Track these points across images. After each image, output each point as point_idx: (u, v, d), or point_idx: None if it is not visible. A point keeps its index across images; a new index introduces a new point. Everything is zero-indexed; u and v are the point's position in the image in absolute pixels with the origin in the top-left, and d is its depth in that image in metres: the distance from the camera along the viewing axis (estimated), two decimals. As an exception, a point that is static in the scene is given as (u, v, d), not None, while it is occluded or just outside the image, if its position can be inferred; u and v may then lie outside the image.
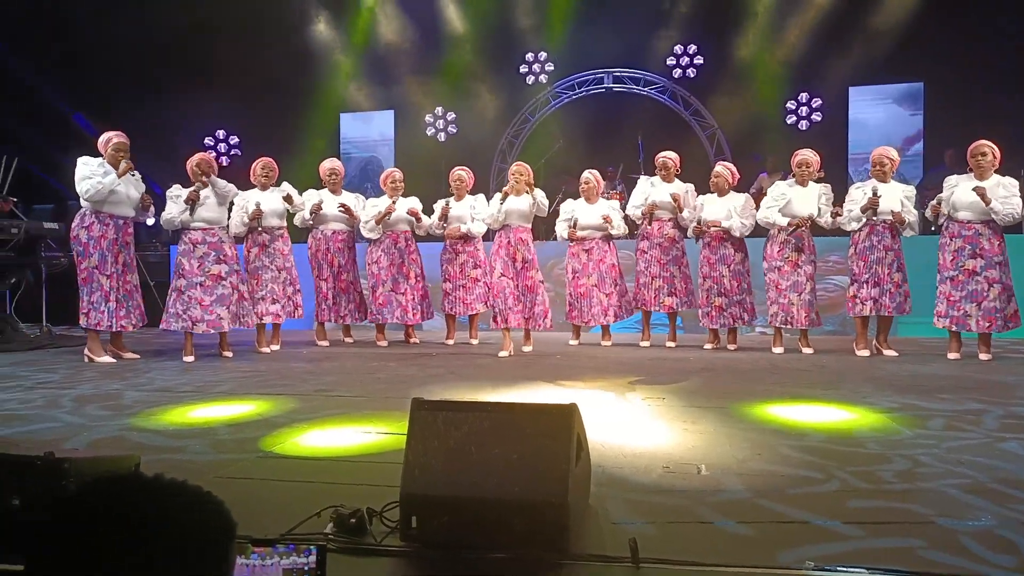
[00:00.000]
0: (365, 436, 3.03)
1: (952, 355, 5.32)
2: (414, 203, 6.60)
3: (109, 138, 5.48)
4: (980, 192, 5.13)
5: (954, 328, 5.32)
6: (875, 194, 5.49)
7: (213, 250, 5.59)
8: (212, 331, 5.58)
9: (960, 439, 2.89)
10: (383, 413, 3.43)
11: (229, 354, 5.72)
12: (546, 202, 5.99)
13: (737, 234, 5.95)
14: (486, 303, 6.42)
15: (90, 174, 5.30)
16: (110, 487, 0.91)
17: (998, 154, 5.26)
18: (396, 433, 2.96)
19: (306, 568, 1.52)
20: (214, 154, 11.67)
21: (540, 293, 5.87)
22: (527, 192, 5.81)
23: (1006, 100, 8.33)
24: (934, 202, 5.47)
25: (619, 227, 6.29)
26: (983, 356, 5.26)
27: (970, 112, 8.20)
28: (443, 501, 1.82)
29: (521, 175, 5.85)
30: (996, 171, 5.28)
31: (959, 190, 5.29)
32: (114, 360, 5.47)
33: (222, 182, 5.76)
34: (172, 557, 0.87)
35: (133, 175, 5.52)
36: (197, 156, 5.76)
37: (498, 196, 5.85)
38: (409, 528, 1.83)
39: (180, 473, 2.31)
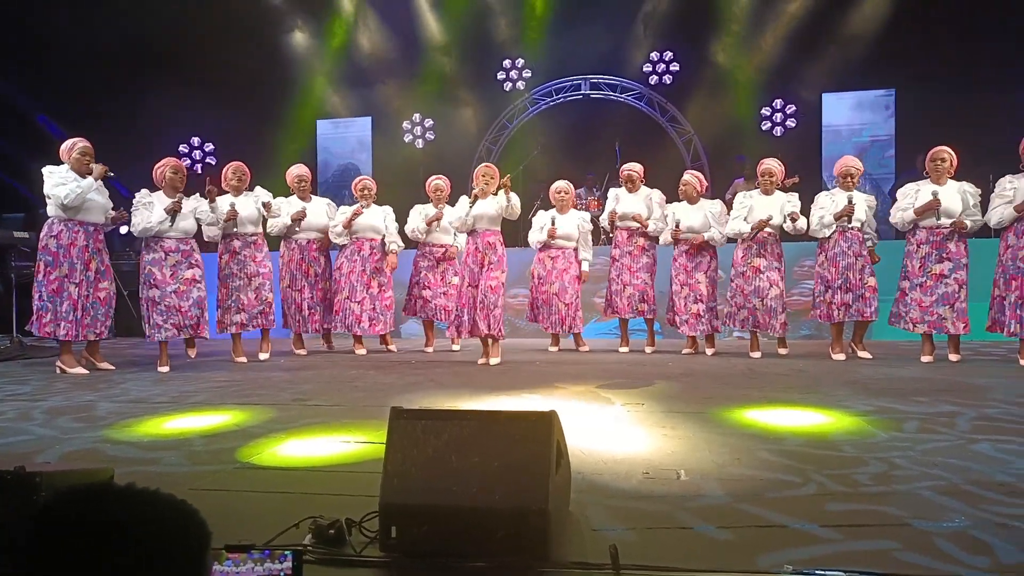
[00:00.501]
0: (344, 445, 3.01)
1: (925, 358, 5.42)
2: (387, 212, 6.58)
3: (73, 143, 5.37)
4: (934, 204, 5.26)
5: (932, 332, 5.40)
6: (850, 202, 5.57)
7: (185, 257, 5.58)
8: (205, 336, 5.66)
9: (934, 441, 2.93)
10: (362, 422, 3.40)
11: (192, 352, 5.76)
12: (515, 202, 5.61)
13: (718, 244, 6.02)
14: None
15: (63, 180, 5.21)
16: (84, 497, 0.90)
17: (955, 160, 5.38)
18: (375, 442, 2.94)
19: (281, 574, 1.49)
20: (188, 162, 11.60)
21: (501, 296, 5.59)
22: (494, 195, 5.56)
23: (976, 106, 8.50)
24: (911, 210, 5.48)
25: (586, 244, 6.45)
26: (953, 357, 5.38)
27: (941, 118, 8.35)
28: (423, 510, 1.81)
29: (492, 177, 5.63)
30: (953, 177, 5.40)
31: (922, 196, 5.38)
32: (87, 371, 5.38)
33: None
34: (147, 566, 0.85)
35: (107, 177, 5.44)
36: (171, 162, 5.68)
37: (465, 200, 5.65)
38: (389, 538, 1.82)
39: (155, 485, 2.27)
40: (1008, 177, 5.24)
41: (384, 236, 6.53)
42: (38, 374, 5.36)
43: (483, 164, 5.87)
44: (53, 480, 1.81)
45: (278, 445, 3.03)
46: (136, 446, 3.06)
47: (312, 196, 6.68)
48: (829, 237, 5.73)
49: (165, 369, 5.40)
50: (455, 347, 6.61)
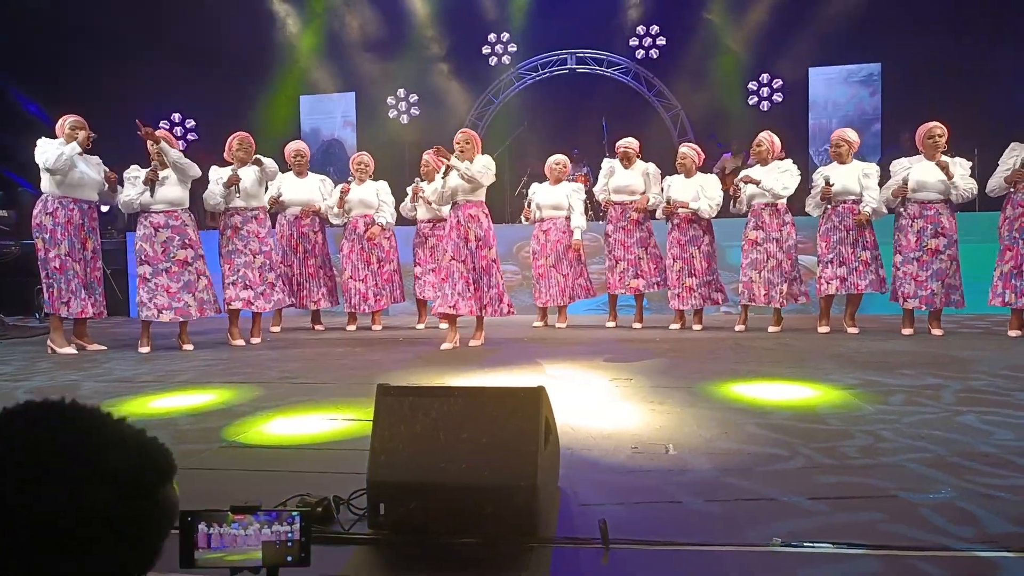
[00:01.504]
0: (331, 423, 3.00)
1: (906, 331, 5.47)
2: (380, 187, 6.53)
3: (61, 122, 5.29)
4: (943, 165, 5.23)
5: (923, 308, 5.42)
6: (827, 183, 5.58)
7: (177, 234, 5.25)
8: (180, 319, 5.30)
9: (920, 414, 2.95)
10: (349, 400, 3.39)
11: (190, 347, 5.39)
12: (489, 170, 5.15)
13: (706, 215, 6.00)
14: None
15: (47, 147, 5.12)
16: (36, 413, 0.84)
17: (947, 134, 5.38)
18: (363, 420, 2.93)
19: (289, 536, 1.47)
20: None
21: (495, 274, 5.21)
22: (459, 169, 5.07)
23: (962, 81, 8.50)
24: (895, 186, 5.49)
25: (578, 212, 6.34)
26: (936, 332, 5.39)
27: (927, 93, 8.35)
28: (411, 487, 1.80)
29: (467, 142, 5.15)
30: (946, 152, 5.40)
31: (919, 170, 5.38)
32: (76, 352, 5.32)
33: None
34: (98, 488, 0.81)
35: (87, 160, 5.32)
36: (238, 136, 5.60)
37: (442, 170, 5.24)
38: (377, 515, 1.81)
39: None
40: (1015, 144, 5.25)
41: (376, 211, 6.49)
42: (20, 354, 5.30)
43: (460, 131, 5.41)
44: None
45: (265, 423, 3.01)
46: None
47: (308, 173, 6.61)
48: (824, 211, 5.74)
49: (146, 350, 5.26)
50: (443, 325, 6.58)
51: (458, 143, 5.18)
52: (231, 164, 5.80)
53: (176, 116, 11.58)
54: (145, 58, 9.95)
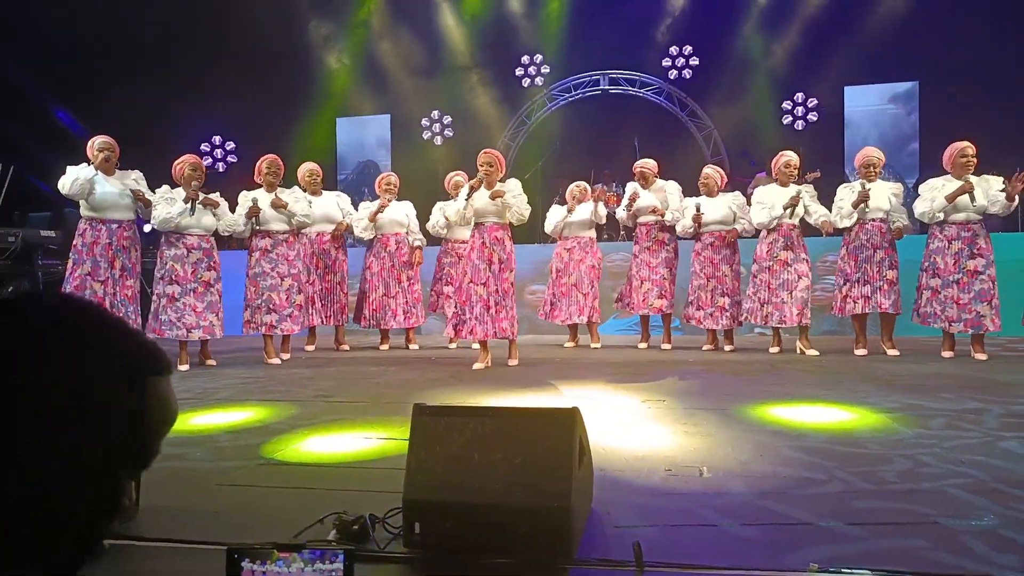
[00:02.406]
0: (366, 442, 3.03)
1: (946, 354, 5.33)
2: (408, 208, 6.62)
3: (93, 140, 5.40)
4: (968, 188, 5.15)
5: (968, 331, 5.27)
6: (864, 187, 5.52)
7: (206, 256, 5.52)
8: (207, 337, 5.51)
9: (961, 438, 2.90)
10: (384, 418, 3.42)
11: (212, 362, 5.62)
12: (524, 211, 5.18)
13: (748, 234, 5.98)
14: None
15: (69, 174, 5.25)
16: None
17: (974, 154, 5.29)
18: (398, 438, 2.96)
19: (332, 574, 1.48)
20: (209, 160, 11.71)
21: (511, 298, 5.20)
22: (501, 183, 5.15)
23: (1000, 98, 8.37)
24: (940, 198, 5.31)
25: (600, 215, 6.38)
26: (979, 356, 5.22)
27: (965, 110, 8.23)
28: (446, 507, 1.82)
29: (492, 165, 5.12)
30: (977, 171, 5.30)
31: (950, 190, 5.27)
32: None
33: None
34: (91, 372, 0.76)
35: (124, 177, 5.42)
36: (189, 159, 5.59)
37: (465, 190, 5.23)
38: (413, 534, 1.83)
39: (182, 482, 2.29)
40: None
41: (407, 231, 6.58)
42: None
43: (484, 151, 5.28)
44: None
45: (301, 441, 3.06)
46: (162, 442, 3.09)
47: (322, 191, 6.70)
48: (851, 229, 5.68)
49: (185, 367, 5.41)
50: (475, 345, 6.60)
51: (482, 165, 5.13)
52: (261, 187, 5.94)
53: (216, 139, 11.88)
54: (189, 80, 10.24)
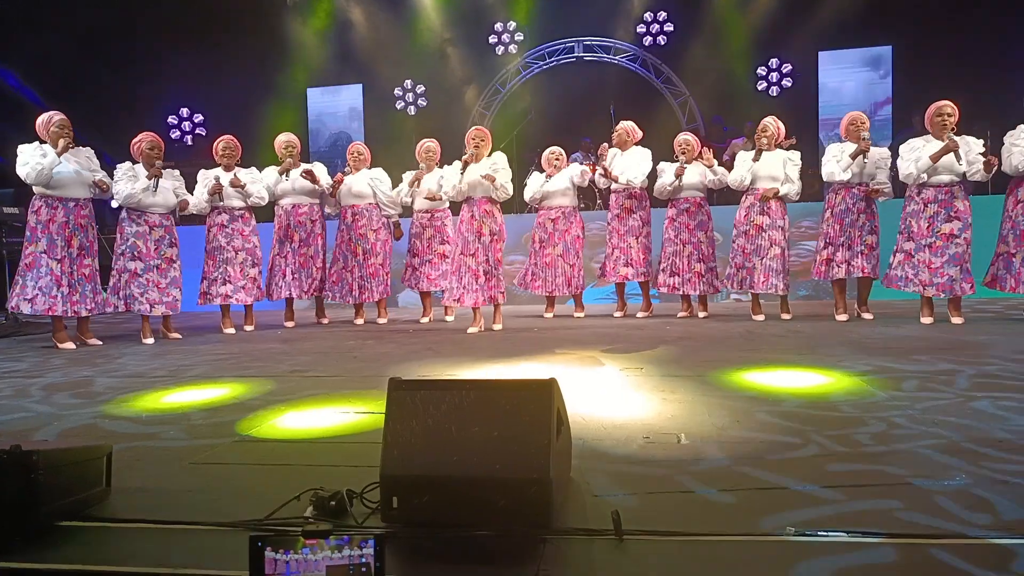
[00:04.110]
0: (343, 416, 3.00)
1: (926, 319, 5.35)
2: (375, 175, 6.51)
3: (49, 117, 5.30)
4: (952, 147, 5.14)
5: (941, 295, 5.31)
6: (864, 139, 5.46)
7: (167, 233, 5.71)
8: (171, 312, 5.72)
9: (934, 400, 2.93)
10: (361, 392, 3.40)
11: (177, 335, 5.80)
12: (506, 174, 5.52)
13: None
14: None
15: (28, 158, 5.15)
16: None
17: (958, 115, 5.27)
18: (375, 412, 2.94)
19: (362, 562, 1.41)
20: (177, 133, 11.47)
21: (501, 268, 5.60)
22: (486, 158, 5.51)
23: (973, 62, 8.40)
24: (927, 156, 5.27)
25: (580, 175, 6.32)
26: (956, 320, 5.26)
27: (938, 74, 8.27)
28: (424, 480, 1.80)
29: (482, 140, 5.53)
30: (956, 132, 5.28)
31: (930, 149, 5.26)
32: (75, 346, 5.38)
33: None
34: None
35: (77, 154, 5.33)
36: (147, 137, 5.66)
37: (457, 165, 5.55)
38: (390, 508, 1.81)
39: (154, 461, 2.25)
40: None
41: (371, 201, 6.47)
42: (34, 350, 5.34)
43: (474, 127, 5.73)
44: (50, 458, 1.79)
45: (277, 417, 3.02)
46: (135, 421, 3.05)
47: (300, 163, 6.61)
48: (836, 193, 5.66)
49: (151, 340, 5.56)
50: (448, 318, 6.59)
51: (473, 139, 5.51)
52: (219, 166, 6.23)
53: (184, 111, 11.62)
54: (153, 52, 9.97)
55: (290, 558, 1.42)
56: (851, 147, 5.56)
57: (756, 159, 5.77)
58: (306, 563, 1.42)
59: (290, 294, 6.49)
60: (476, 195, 5.50)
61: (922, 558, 1.56)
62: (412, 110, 11.36)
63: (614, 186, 6.31)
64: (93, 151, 5.53)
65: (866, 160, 5.53)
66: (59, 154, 5.20)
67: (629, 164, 6.17)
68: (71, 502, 1.88)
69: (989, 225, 5.49)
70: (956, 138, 5.19)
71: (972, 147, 5.23)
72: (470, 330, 5.61)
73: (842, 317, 5.68)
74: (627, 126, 6.30)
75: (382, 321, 6.59)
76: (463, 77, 11.23)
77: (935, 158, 5.19)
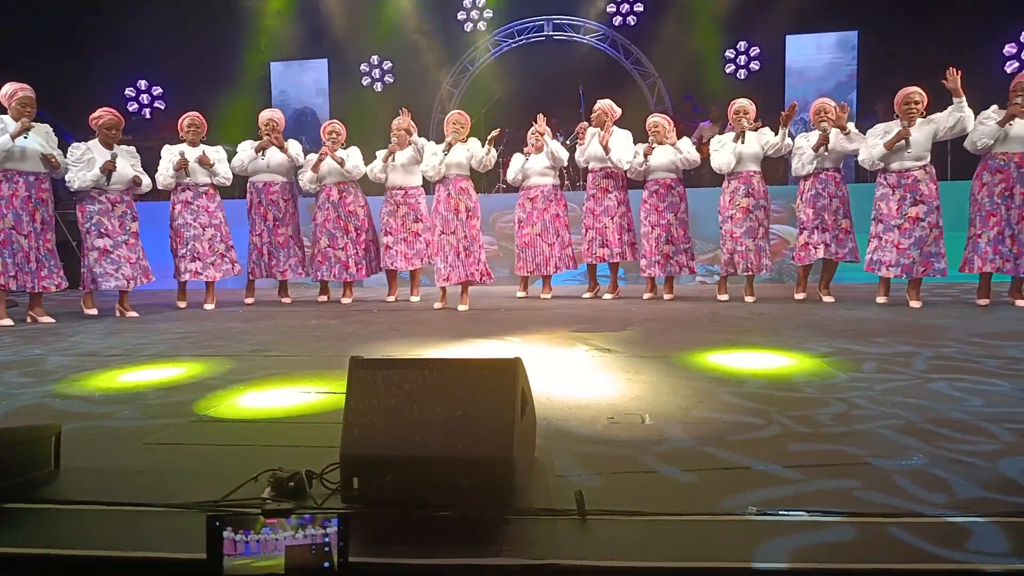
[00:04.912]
0: (304, 396, 2.95)
1: (880, 299, 5.49)
2: (351, 153, 6.41)
3: (13, 92, 5.14)
4: (904, 134, 5.22)
5: (903, 276, 5.38)
6: (824, 132, 5.55)
7: (129, 209, 5.69)
8: (145, 283, 5.76)
9: (892, 381, 2.98)
10: (323, 372, 3.35)
11: (134, 314, 5.70)
12: (493, 156, 5.76)
13: (689, 163, 6.01)
14: (425, 259, 6.34)
15: None
16: None
17: (926, 101, 5.34)
18: (337, 392, 2.89)
19: (325, 541, 1.38)
20: (135, 106, 11.14)
21: (478, 243, 5.72)
22: (484, 145, 5.70)
23: (938, 47, 8.50)
24: (880, 146, 5.35)
25: (558, 151, 6.27)
26: (914, 304, 5.33)
27: (903, 60, 8.36)
28: (386, 461, 1.77)
29: (462, 125, 5.72)
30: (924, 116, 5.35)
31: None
32: (12, 323, 5.24)
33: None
34: None
35: (36, 130, 5.18)
36: (104, 116, 5.58)
37: (437, 147, 5.71)
38: (351, 489, 1.78)
39: (106, 441, 2.18)
40: (994, 107, 5.23)
41: (351, 178, 6.42)
42: (-16, 328, 5.17)
43: (455, 111, 5.89)
44: (-5, 438, 1.73)
45: (236, 397, 2.96)
46: (87, 400, 2.96)
47: (282, 142, 6.47)
48: (807, 178, 5.73)
49: (93, 312, 5.63)
50: (414, 298, 6.52)
51: (455, 124, 5.70)
52: (183, 142, 6.16)
53: (142, 83, 11.29)
54: (110, 21, 9.64)
55: (250, 538, 1.38)
56: (815, 137, 5.63)
57: (741, 141, 5.78)
58: (266, 543, 1.38)
59: (264, 275, 6.46)
60: (451, 174, 5.63)
61: (880, 536, 1.58)
62: (379, 86, 11.18)
63: (591, 165, 6.27)
64: (51, 128, 5.39)
65: (828, 150, 5.61)
66: (14, 135, 5.04)
67: (617, 144, 6.13)
68: (17, 483, 1.82)
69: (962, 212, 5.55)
70: (922, 120, 5.27)
71: (942, 117, 5.25)
72: (436, 305, 5.75)
73: (800, 296, 5.80)
74: (605, 105, 6.24)
75: (346, 301, 6.51)
76: (431, 54, 11.07)
77: (888, 145, 5.29)
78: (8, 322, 5.22)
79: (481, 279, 5.74)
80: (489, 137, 5.66)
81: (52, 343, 4.44)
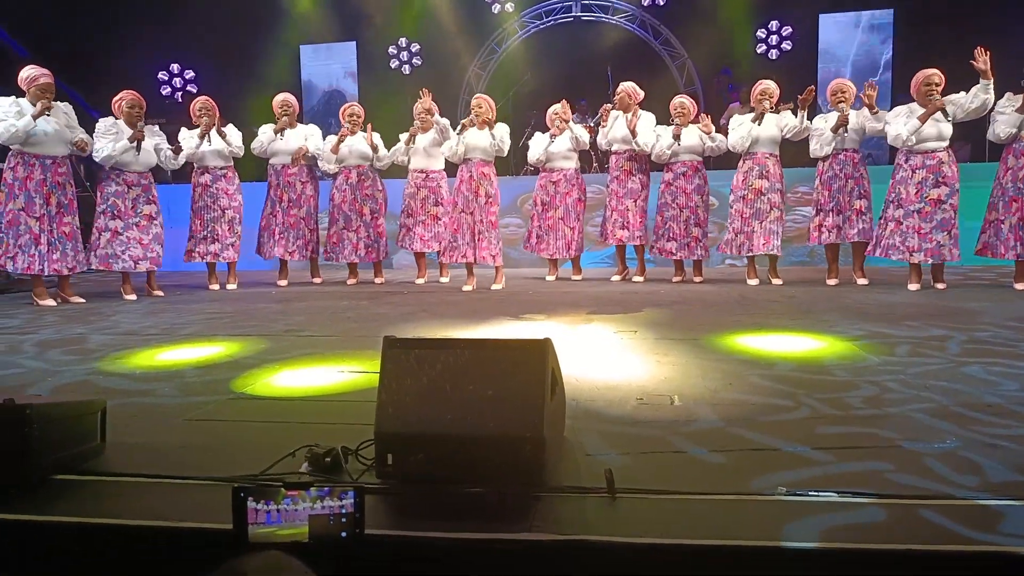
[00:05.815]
0: (338, 375, 3.01)
1: (913, 286, 5.34)
2: (373, 134, 6.45)
3: (34, 77, 5.17)
4: (940, 105, 5.12)
5: (929, 260, 5.30)
6: (843, 113, 5.48)
7: (144, 192, 5.73)
8: (155, 268, 5.82)
9: (925, 365, 2.95)
10: (355, 352, 3.40)
11: (160, 293, 5.87)
12: (507, 141, 5.80)
13: (719, 151, 6.01)
14: (443, 243, 6.37)
15: (3, 115, 5.04)
16: None
17: (944, 82, 5.23)
18: (369, 372, 2.94)
19: (342, 512, 1.47)
20: (168, 90, 11.27)
21: (495, 229, 5.80)
22: (488, 128, 5.70)
23: (974, 27, 8.29)
24: (914, 119, 5.22)
25: (581, 135, 6.28)
26: (939, 286, 5.29)
27: (939, 39, 8.16)
28: (418, 438, 1.81)
29: (481, 108, 5.74)
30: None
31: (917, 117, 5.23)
32: (55, 303, 5.37)
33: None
34: None
35: (55, 112, 5.21)
36: (127, 96, 5.65)
37: (457, 128, 5.77)
38: (385, 465, 1.82)
39: (149, 417, 2.25)
40: (1009, 94, 5.14)
41: (370, 163, 6.47)
42: (25, 307, 5.32)
43: (476, 95, 5.97)
44: (44, 412, 1.79)
45: (272, 375, 3.03)
46: (129, 378, 3.05)
47: (296, 124, 6.54)
48: (825, 159, 5.67)
49: (132, 297, 5.65)
50: (443, 279, 6.57)
51: (475, 107, 5.76)
52: (198, 127, 6.16)
53: (175, 67, 11.41)
54: (145, 9, 9.75)
55: (271, 508, 1.46)
56: (833, 118, 5.54)
57: (759, 122, 5.72)
58: (288, 513, 1.46)
59: (282, 254, 6.48)
60: (474, 157, 5.71)
61: (911, 518, 1.58)
62: (407, 69, 11.19)
63: (615, 147, 6.25)
64: (72, 107, 5.42)
65: (846, 132, 5.56)
66: (35, 117, 5.07)
67: (643, 128, 6.10)
68: (65, 456, 1.89)
69: (981, 194, 5.46)
70: (945, 98, 5.17)
71: (962, 96, 5.16)
72: (465, 288, 5.78)
73: (832, 282, 5.72)
74: (628, 87, 6.20)
75: (379, 281, 6.59)
76: (459, 37, 11.03)
77: (923, 118, 5.18)
78: (51, 302, 5.36)
79: (490, 261, 5.80)
80: (482, 119, 5.68)
81: (94, 322, 4.55)
